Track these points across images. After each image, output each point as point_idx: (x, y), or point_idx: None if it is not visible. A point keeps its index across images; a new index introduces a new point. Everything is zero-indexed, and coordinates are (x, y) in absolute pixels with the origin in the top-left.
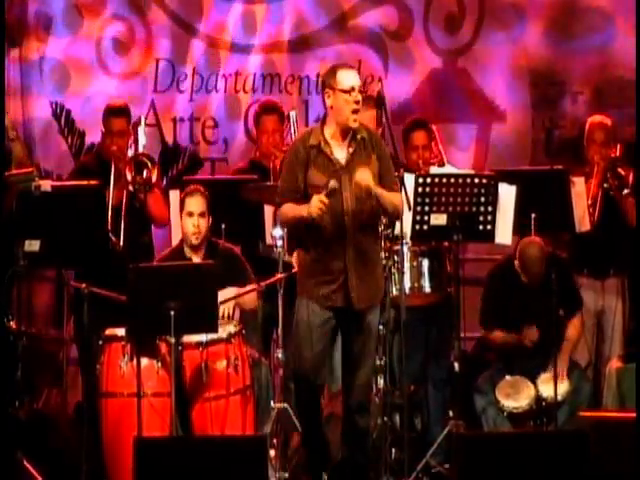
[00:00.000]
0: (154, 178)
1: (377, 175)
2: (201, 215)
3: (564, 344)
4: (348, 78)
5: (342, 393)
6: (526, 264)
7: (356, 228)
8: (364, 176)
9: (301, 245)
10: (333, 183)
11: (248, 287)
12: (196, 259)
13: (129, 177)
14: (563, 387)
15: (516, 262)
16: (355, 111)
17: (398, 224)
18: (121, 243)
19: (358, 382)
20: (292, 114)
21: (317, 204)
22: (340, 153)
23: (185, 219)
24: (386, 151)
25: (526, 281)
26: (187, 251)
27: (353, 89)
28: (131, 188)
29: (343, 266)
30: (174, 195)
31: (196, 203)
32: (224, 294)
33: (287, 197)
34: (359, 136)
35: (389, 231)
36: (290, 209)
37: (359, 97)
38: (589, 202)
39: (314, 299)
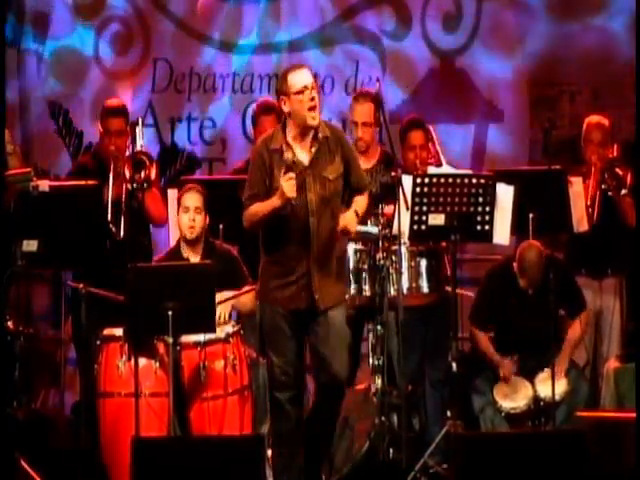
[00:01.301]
0: (153, 176)
1: (342, 175)
2: (197, 210)
3: (565, 344)
4: (299, 78)
5: (315, 392)
6: (524, 268)
7: (321, 228)
8: (347, 222)
9: (263, 248)
10: (288, 155)
11: (246, 288)
12: (194, 259)
13: (127, 175)
14: (561, 387)
15: (514, 264)
16: (311, 108)
17: (396, 224)
18: (121, 234)
19: (333, 381)
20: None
21: (289, 186)
22: (303, 154)
23: (181, 215)
24: (351, 149)
25: (523, 285)
26: (184, 251)
27: (306, 87)
28: (129, 186)
29: (306, 267)
30: (172, 195)
31: (192, 198)
32: (222, 295)
33: (253, 201)
34: (321, 135)
35: (387, 231)
36: (258, 207)
37: (313, 94)
38: (588, 202)
39: (277, 302)
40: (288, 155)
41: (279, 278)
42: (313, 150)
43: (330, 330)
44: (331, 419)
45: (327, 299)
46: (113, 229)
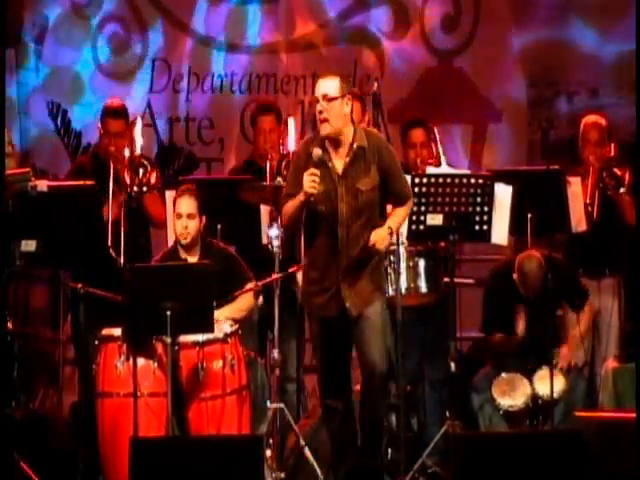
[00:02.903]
0: (153, 180)
1: (377, 187)
2: (189, 216)
3: (569, 338)
4: (317, 88)
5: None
6: (525, 279)
7: (350, 238)
8: (377, 240)
9: (305, 253)
10: (316, 151)
11: (248, 286)
12: (191, 259)
13: (128, 180)
14: (559, 385)
15: (514, 275)
16: (322, 120)
17: None
18: (121, 261)
19: (371, 372)
20: (290, 120)
21: (308, 181)
22: (338, 162)
23: (175, 220)
24: (391, 159)
25: (524, 293)
26: (181, 252)
27: (317, 100)
28: (130, 190)
29: (336, 277)
30: (170, 195)
31: (184, 204)
32: (221, 312)
33: (287, 201)
34: (356, 145)
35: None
36: (289, 204)
37: (324, 105)
38: (587, 201)
39: (311, 308)
40: (324, 157)
41: (313, 284)
42: (347, 160)
43: (365, 325)
44: (376, 409)
45: (359, 305)
46: (113, 254)
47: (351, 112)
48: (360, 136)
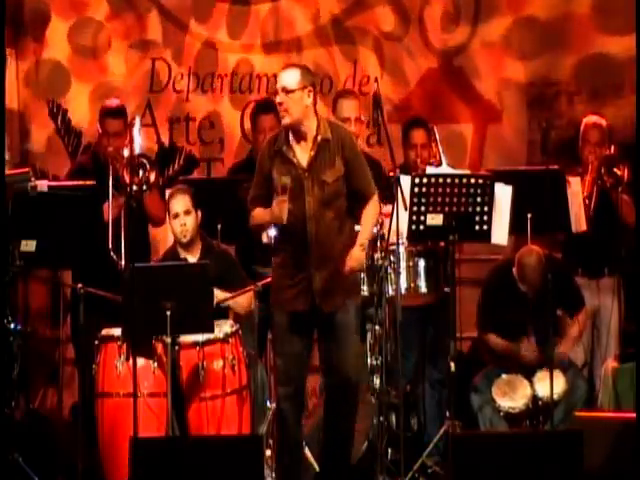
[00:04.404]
0: (152, 179)
1: (342, 177)
2: (186, 213)
3: (565, 338)
4: (277, 80)
5: (323, 394)
6: (524, 274)
7: (320, 232)
8: (353, 263)
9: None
10: (284, 180)
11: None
12: (191, 259)
13: (127, 179)
14: (559, 386)
15: (514, 270)
16: (281, 112)
17: (394, 224)
18: (122, 263)
19: (340, 383)
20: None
21: (278, 210)
22: (303, 156)
23: (172, 221)
24: (356, 151)
25: (524, 289)
26: (181, 251)
27: (277, 92)
28: (129, 189)
29: (306, 271)
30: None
31: (179, 203)
32: (219, 294)
33: (256, 203)
34: (320, 138)
35: (385, 231)
36: (258, 215)
37: (281, 97)
38: (584, 195)
39: (280, 303)
40: (288, 153)
41: (284, 278)
42: (312, 153)
43: (337, 333)
44: (342, 421)
45: (330, 302)
46: (114, 257)
47: (314, 104)
48: (324, 128)
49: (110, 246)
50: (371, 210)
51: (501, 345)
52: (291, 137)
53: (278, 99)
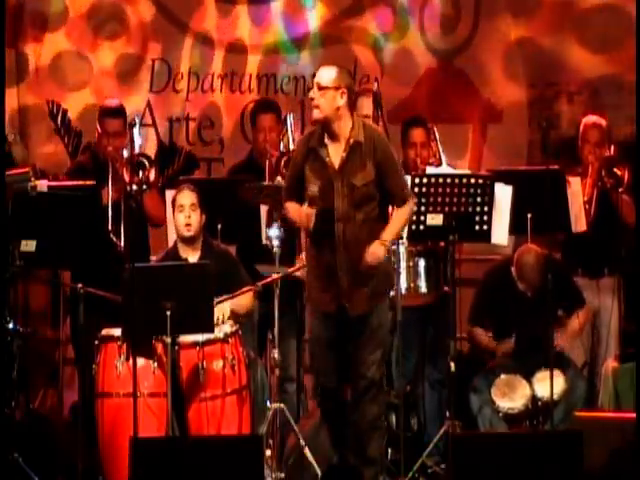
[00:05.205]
0: (152, 178)
1: (373, 182)
2: (192, 207)
3: (564, 332)
4: (315, 77)
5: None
6: (523, 273)
7: (348, 234)
8: (370, 259)
9: (307, 248)
10: (312, 189)
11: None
12: (192, 259)
13: (127, 178)
14: (559, 386)
15: (513, 268)
16: (313, 107)
17: None
18: (122, 244)
19: (362, 382)
20: (289, 118)
21: (306, 221)
22: (335, 157)
23: (177, 214)
24: (388, 154)
25: (523, 288)
26: (182, 251)
27: (311, 87)
28: (129, 188)
29: (335, 273)
30: (170, 195)
31: (186, 196)
32: (222, 307)
33: (289, 197)
34: (352, 140)
35: None
36: (290, 211)
37: (313, 93)
38: (585, 199)
39: (312, 302)
40: (322, 152)
41: (313, 280)
42: (344, 155)
43: (362, 334)
44: (363, 419)
45: (356, 306)
46: (114, 240)
47: (350, 105)
48: (357, 130)
49: (110, 228)
50: (403, 211)
51: (484, 341)
52: (326, 137)
53: (310, 94)
